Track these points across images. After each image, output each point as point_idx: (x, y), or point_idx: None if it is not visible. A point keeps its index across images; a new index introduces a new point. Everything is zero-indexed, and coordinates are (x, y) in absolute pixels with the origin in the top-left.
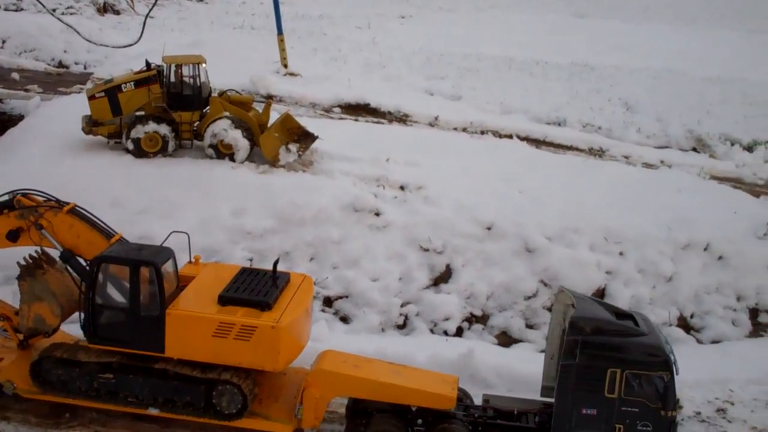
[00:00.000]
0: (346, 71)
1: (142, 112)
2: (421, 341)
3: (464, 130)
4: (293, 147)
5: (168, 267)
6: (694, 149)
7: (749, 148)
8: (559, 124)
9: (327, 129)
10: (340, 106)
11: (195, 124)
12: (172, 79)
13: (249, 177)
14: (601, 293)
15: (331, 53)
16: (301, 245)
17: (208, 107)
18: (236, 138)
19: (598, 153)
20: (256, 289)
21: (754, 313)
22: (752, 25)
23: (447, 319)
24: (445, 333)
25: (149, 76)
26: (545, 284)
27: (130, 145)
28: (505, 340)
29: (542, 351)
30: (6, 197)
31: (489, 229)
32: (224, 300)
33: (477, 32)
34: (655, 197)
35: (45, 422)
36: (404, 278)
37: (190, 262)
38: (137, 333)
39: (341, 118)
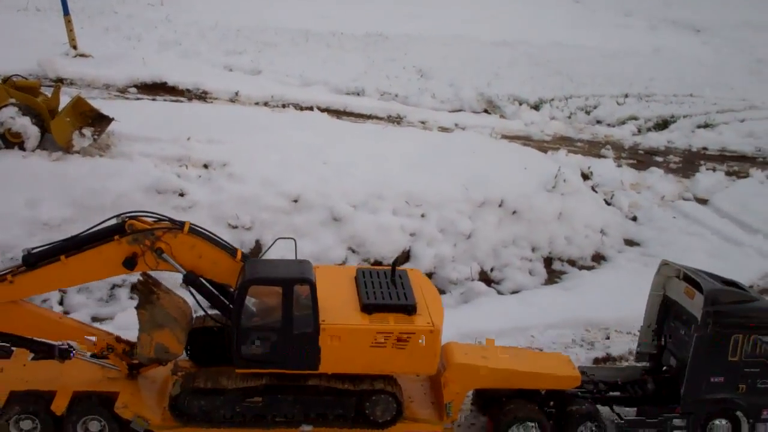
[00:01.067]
0: (141, 50)
1: None
2: None
3: (266, 104)
4: (87, 131)
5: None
6: (486, 111)
7: (536, 107)
8: (358, 94)
9: (123, 110)
10: (135, 86)
11: None
12: None
13: (42, 165)
14: (406, 255)
15: (123, 32)
16: None
17: None
18: (25, 125)
19: (397, 120)
20: (390, 292)
21: (548, 262)
22: None
23: None
24: None
25: None
26: (353, 251)
27: None
28: None
29: None
30: (114, 221)
31: (296, 201)
32: (369, 308)
33: (272, 5)
34: (452, 159)
35: None
36: None
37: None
38: (290, 352)
39: (138, 99)
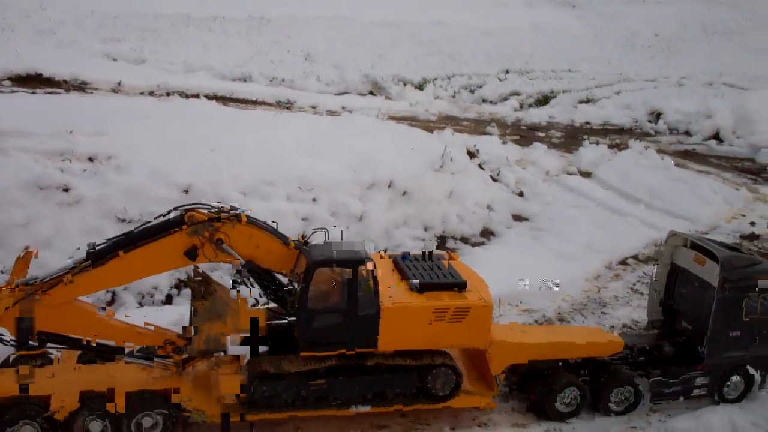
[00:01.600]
0: (14, 41)
1: None
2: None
3: (151, 93)
4: None
5: None
6: (371, 92)
7: (420, 87)
8: (245, 80)
9: None
10: (9, 78)
11: None
12: None
13: None
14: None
15: None
16: None
17: None
18: None
19: (287, 105)
20: (436, 272)
21: (441, 240)
22: None
23: (155, 288)
24: (162, 302)
25: None
26: None
27: None
28: None
29: None
30: (173, 214)
31: (186, 191)
32: (423, 287)
33: None
34: (341, 142)
35: None
36: None
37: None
38: (352, 333)
39: (13, 92)
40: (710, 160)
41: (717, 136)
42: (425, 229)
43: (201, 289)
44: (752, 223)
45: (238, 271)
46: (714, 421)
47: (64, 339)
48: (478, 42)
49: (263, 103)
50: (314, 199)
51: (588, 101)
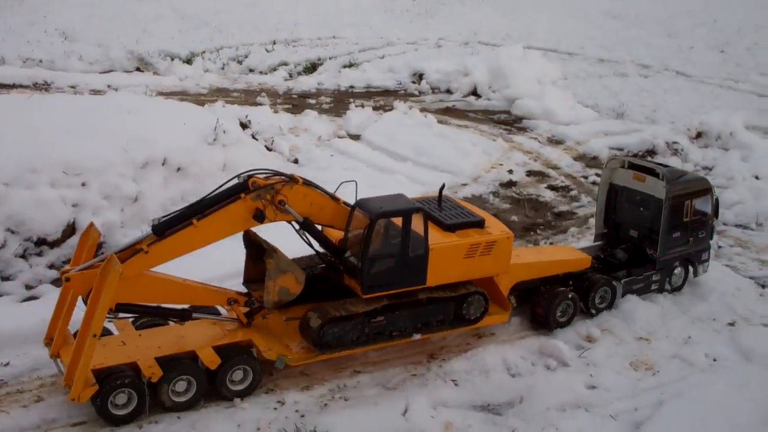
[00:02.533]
0: None
1: None
2: None
3: None
4: None
5: None
6: (138, 69)
7: (188, 61)
8: None
9: None
10: None
11: None
12: None
13: None
14: (71, 227)
15: None
16: None
17: None
18: None
19: (44, 87)
20: (457, 212)
21: None
22: None
23: None
24: None
25: None
26: (13, 232)
27: None
28: None
29: (24, 300)
30: (236, 181)
31: None
32: (452, 227)
33: None
34: (107, 122)
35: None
36: None
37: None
38: (405, 273)
39: None
40: (469, 115)
41: (475, 92)
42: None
43: (271, 247)
44: (510, 171)
45: (297, 229)
46: (487, 359)
47: (139, 308)
48: (243, 14)
49: (19, 86)
50: (83, 184)
51: (351, 66)
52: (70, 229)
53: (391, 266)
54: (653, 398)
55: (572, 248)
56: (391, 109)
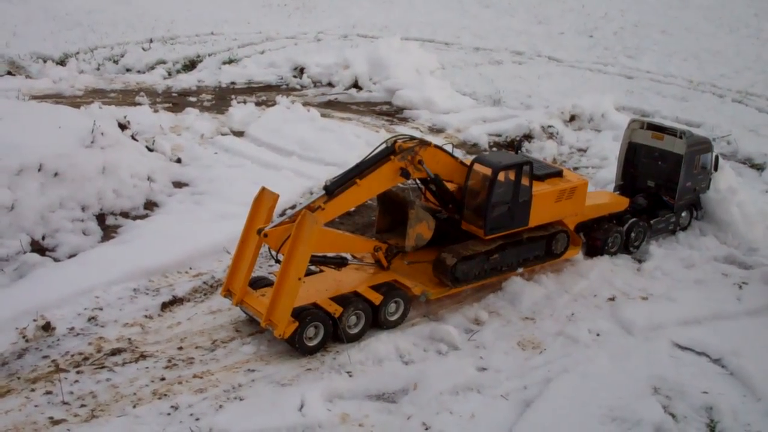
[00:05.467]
0: None
1: None
2: None
3: None
4: None
5: None
6: (9, 73)
7: (62, 63)
8: None
9: None
10: None
11: None
12: None
13: None
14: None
15: None
16: None
17: None
18: None
19: None
20: (537, 165)
21: (101, 218)
22: None
23: None
24: None
25: None
26: None
27: None
28: None
29: None
30: (385, 146)
31: None
32: (542, 177)
33: None
34: None
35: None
36: None
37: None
38: (515, 217)
39: None
40: (351, 108)
41: (356, 85)
42: (83, 209)
43: (413, 199)
44: None
45: (429, 183)
46: (380, 348)
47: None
48: (117, 12)
49: None
50: None
51: (231, 62)
52: None
53: (505, 211)
54: (541, 376)
55: (613, 193)
56: (273, 105)
